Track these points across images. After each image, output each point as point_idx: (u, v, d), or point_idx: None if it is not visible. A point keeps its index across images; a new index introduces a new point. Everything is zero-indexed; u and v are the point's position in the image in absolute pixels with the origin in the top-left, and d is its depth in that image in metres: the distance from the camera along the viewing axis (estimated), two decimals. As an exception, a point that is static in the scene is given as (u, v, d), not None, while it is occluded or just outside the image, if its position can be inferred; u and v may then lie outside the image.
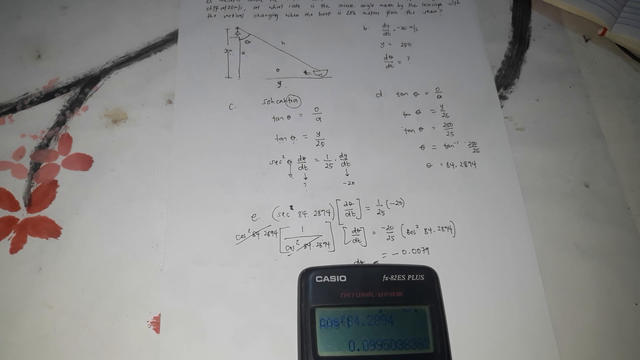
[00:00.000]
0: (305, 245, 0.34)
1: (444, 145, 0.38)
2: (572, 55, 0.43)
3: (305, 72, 0.41)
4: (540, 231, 0.35)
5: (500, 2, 0.46)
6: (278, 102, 0.40)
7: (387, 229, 0.35)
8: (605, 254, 0.35)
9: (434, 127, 0.39)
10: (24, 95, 0.40)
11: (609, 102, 0.41)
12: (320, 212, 0.35)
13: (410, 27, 0.44)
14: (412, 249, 0.34)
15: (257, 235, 0.34)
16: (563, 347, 0.32)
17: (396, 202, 0.36)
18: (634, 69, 0.43)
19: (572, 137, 0.39)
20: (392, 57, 0.42)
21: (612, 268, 0.34)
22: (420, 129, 0.39)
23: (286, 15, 0.44)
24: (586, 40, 0.44)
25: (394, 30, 0.43)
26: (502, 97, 0.41)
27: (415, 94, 0.40)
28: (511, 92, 0.41)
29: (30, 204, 0.35)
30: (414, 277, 0.31)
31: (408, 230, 0.35)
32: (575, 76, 0.42)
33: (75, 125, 0.38)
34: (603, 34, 0.43)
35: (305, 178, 0.37)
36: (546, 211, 0.36)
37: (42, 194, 0.36)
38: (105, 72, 0.41)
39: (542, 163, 0.38)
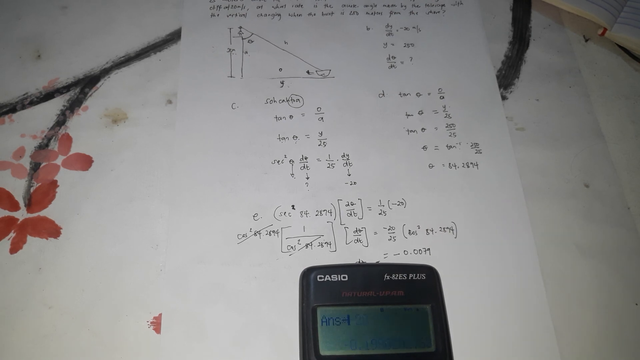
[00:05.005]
0: (306, 245, 0.34)
1: (446, 146, 0.38)
2: (572, 55, 0.43)
3: (307, 72, 0.41)
4: (540, 231, 0.35)
5: (500, 2, 0.46)
6: (280, 101, 0.40)
7: (388, 230, 0.35)
8: (605, 254, 0.35)
9: (436, 128, 0.39)
10: (24, 95, 0.39)
11: (609, 102, 0.41)
12: (322, 212, 0.35)
13: (413, 27, 0.44)
14: (414, 250, 0.34)
15: (258, 235, 0.34)
16: (563, 347, 0.32)
17: (398, 203, 0.36)
18: (634, 69, 0.43)
19: (572, 137, 0.39)
20: (394, 58, 0.42)
21: (612, 268, 0.34)
22: (423, 129, 0.39)
23: (289, 15, 0.44)
24: (586, 40, 0.44)
25: (397, 30, 0.43)
26: (502, 97, 0.41)
27: (418, 94, 0.40)
28: (511, 92, 0.41)
29: (30, 204, 0.35)
30: (416, 276, 0.31)
31: (410, 230, 0.35)
32: (575, 76, 0.42)
33: (75, 125, 0.38)
34: (603, 34, 0.43)
35: (307, 178, 0.37)
36: (546, 211, 0.36)
37: (42, 194, 0.36)
38: (105, 72, 0.41)
39: (542, 163, 0.38)
